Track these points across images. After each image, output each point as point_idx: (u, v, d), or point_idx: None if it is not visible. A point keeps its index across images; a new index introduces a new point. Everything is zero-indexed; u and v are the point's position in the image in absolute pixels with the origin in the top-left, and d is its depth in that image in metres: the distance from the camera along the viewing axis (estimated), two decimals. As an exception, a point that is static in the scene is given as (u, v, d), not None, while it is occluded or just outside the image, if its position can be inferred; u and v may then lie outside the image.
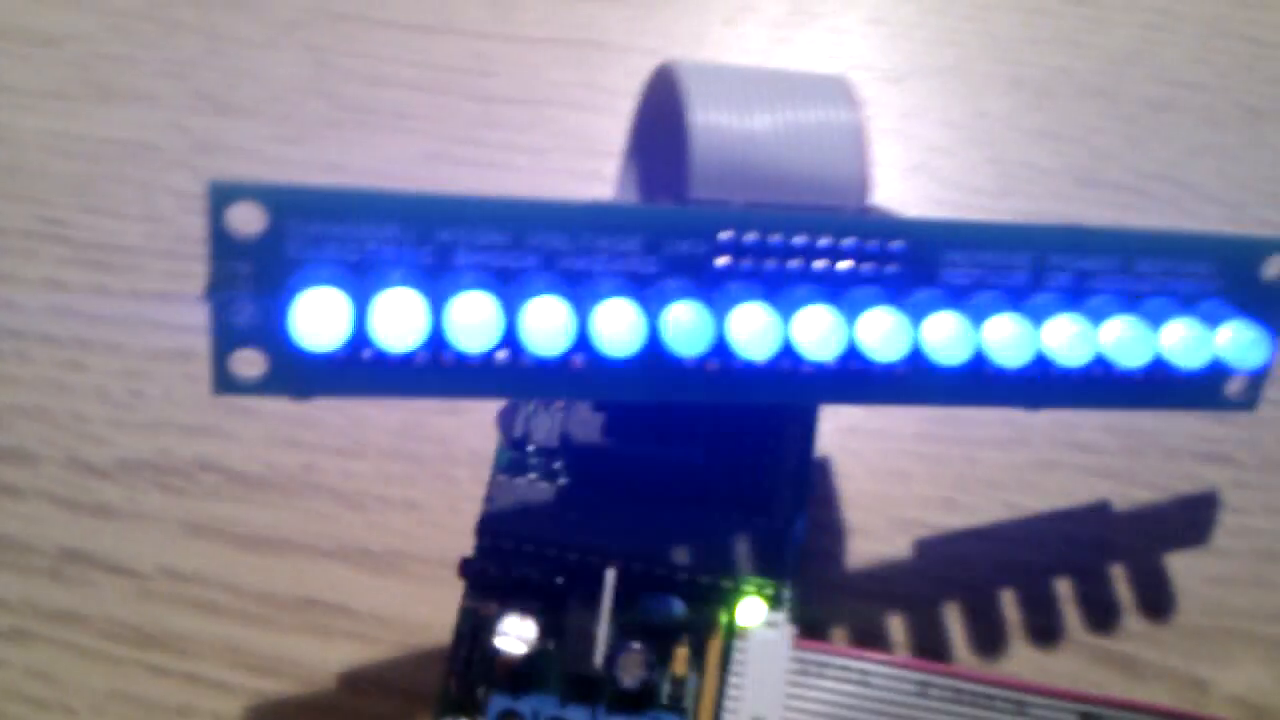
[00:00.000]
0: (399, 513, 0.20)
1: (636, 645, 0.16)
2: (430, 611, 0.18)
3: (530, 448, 0.18)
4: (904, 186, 0.24)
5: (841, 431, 0.21)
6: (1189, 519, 0.20)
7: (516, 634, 0.16)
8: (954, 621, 0.19)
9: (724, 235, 0.15)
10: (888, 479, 0.20)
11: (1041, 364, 0.16)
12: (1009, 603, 0.19)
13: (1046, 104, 0.25)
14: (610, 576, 0.16)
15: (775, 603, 0.17)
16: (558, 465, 0.18)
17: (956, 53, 0.25)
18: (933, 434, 0.21)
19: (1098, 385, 0.17)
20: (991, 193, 0.23)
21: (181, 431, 0.20)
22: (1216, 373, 0.18)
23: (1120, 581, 0.19)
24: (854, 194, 0.17)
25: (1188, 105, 0.25)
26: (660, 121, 0.19)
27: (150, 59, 0.24)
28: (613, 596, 0.16)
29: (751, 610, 0.17)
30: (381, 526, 0.19)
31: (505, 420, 0.18)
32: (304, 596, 0.19)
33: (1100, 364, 0.17)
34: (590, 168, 0.22)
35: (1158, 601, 0.19)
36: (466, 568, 0.17)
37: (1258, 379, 0.18)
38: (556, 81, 0.24)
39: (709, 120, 0.17)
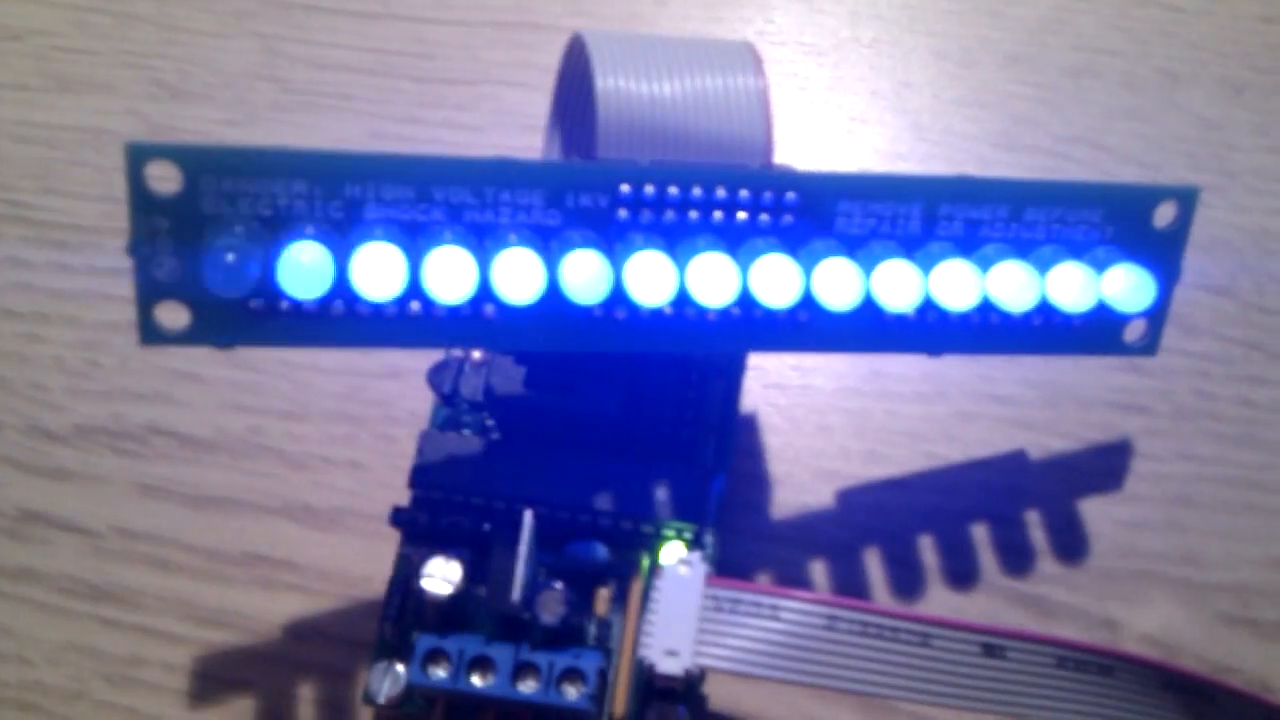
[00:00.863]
0: (342, 472, 0.20)
1: (556, 584, 0.17)
2: (371, 565, 0.19)
3: (460, 404, 0.19)
4: (830, 153, 0.24)
5: (767, 388, 0.21)
6: (1103, 466, 0.21)
7: (441, 575, 0.17)
8: (874, 567, 0.20)
9: (624, 188, 0.16)
10: (811, 433, 0.21)
11: (932, 309, 0.17)
12: (927, 548, 0.20)
13: (967, 73, 0.25)
14: (528, 517, 0.17)
15: (694, 545, 0.18)
16: (487, 420, 0.19)
17: (880, 25, 0.26)
18: (855, 389, 0.21)
19: (992, 330, 0.18)
20: (914, 158, 0.24)
21: (134, 398, 0.21)
22: (1108, 317, 0.18)
23: (1035, 527, 0.20)
24: (756, 156, 0.18)
25: (1106, 71, 0.25)
26: (575, 88, 0.20)
27: (107, 50, 0.25)
28: (531, 537, 0.17)
29: (672, 554, 0.17)
30: (325, 485, 0.20)
31: (435, 377, 0.19)
32: (250, 552, 0.20)
33: (990, 309, 0.18)
34: (527, 143, 0.23)
35: (1072, 545, 0.20)
36: (397, 517, 0.18)
37: (1154, 323, 0.19)
38: (493, 62, 0.25)
39: (615, 85, 0.17)
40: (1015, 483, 0.21)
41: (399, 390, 0.21)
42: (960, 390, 0.21)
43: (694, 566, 0.17)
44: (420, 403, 0.20)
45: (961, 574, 0.20)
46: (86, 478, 0.20)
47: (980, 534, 0.20)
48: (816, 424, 0.21)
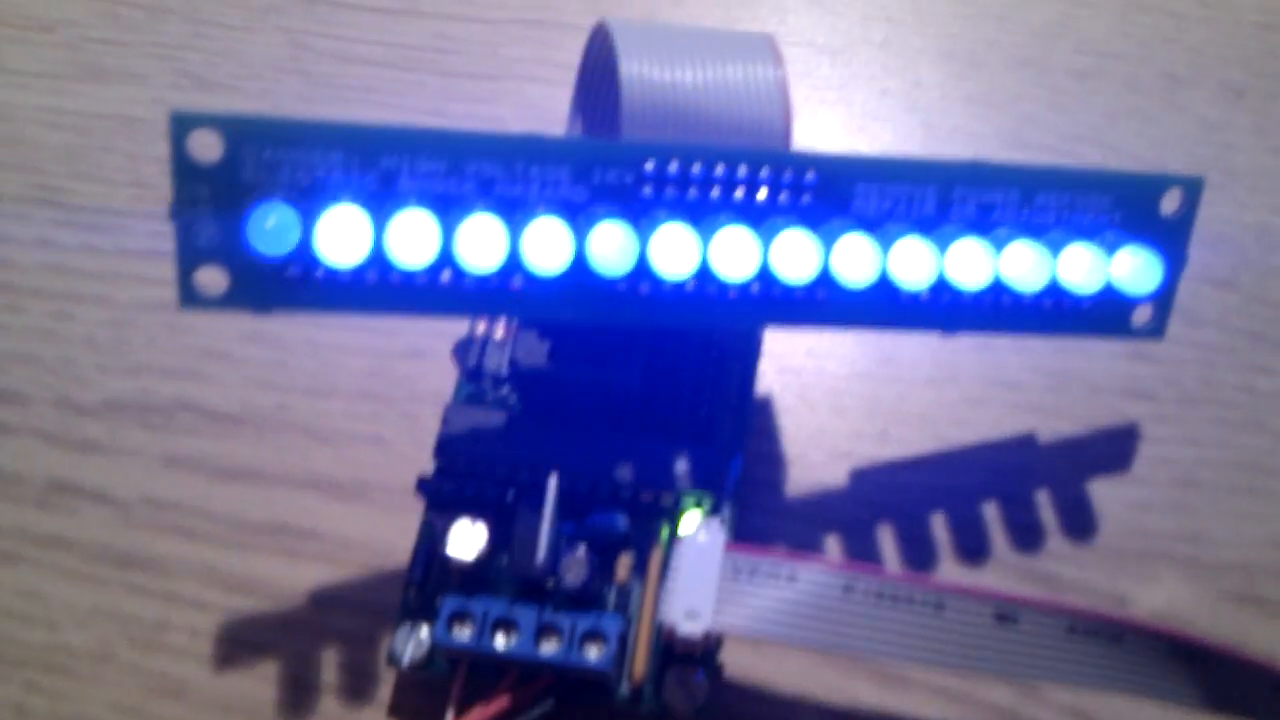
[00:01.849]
0: (366, 447, 0.21)
1: (579, 549, 0.18)
2: (395, 536, 0.19)
3: (484, 378, 0.20)
4: (842, 149, 0.25)
5: (782, 372, 0.22)
6: (1111, 450, 0.21)
7: (466, 540, 0.18)
8: (886, 543, 0.20)
9: (649, 165, 0.17)
10: (825, 415, 0.21)
11: (946, 288, 0.18)
12: (939, 526, 0.20)
13: (976, 74, 0.26)
14: (553, 481, 0.18)
15: (712, 512, 0.18)
16: (509, 394, 0.20)
17: (890, 28, 0.27)
18: (868, 374, 0.22)
19: (1003, 311, 0.19)
20: (924, 154, 0.25)
21: (163, 375, 0.22)
22: (1116, 299, 0.19)
23: (1045, 507, 0.20)
24: (775, 142, 0.18)
25: (1110, 74, 0.26)
26: (598, 75, 0.20)
27: (138, 42, 0.26)
28: (555, 501, 0.18)
29: (692, 521, 0.18)
30: (349, 460, 0.21)
31: (460, 352, 0.20)
32: (276, 522, 0.20)
33: (1001, 289, 0.18)
34: (548, 135, 0.24)
35: (1080, 525, 0.20)
36: (423, 486, 0.18)
37: (1161, 307, 0.20)
38: (515, 58, 0.26)
39: (638, 71, 0.18)
40: (1025, 464, 0.21)
41: (422, 370, 0.22)
42: (970, 375, 0.22)
43: (713, 532, 0.17)
44: (443, 382, 0.20)
45: (972, 551, 0.20)
46: (114, 450, 0.21)
47: (991, 513, 0.20)
48: (830, 406, 0.22)
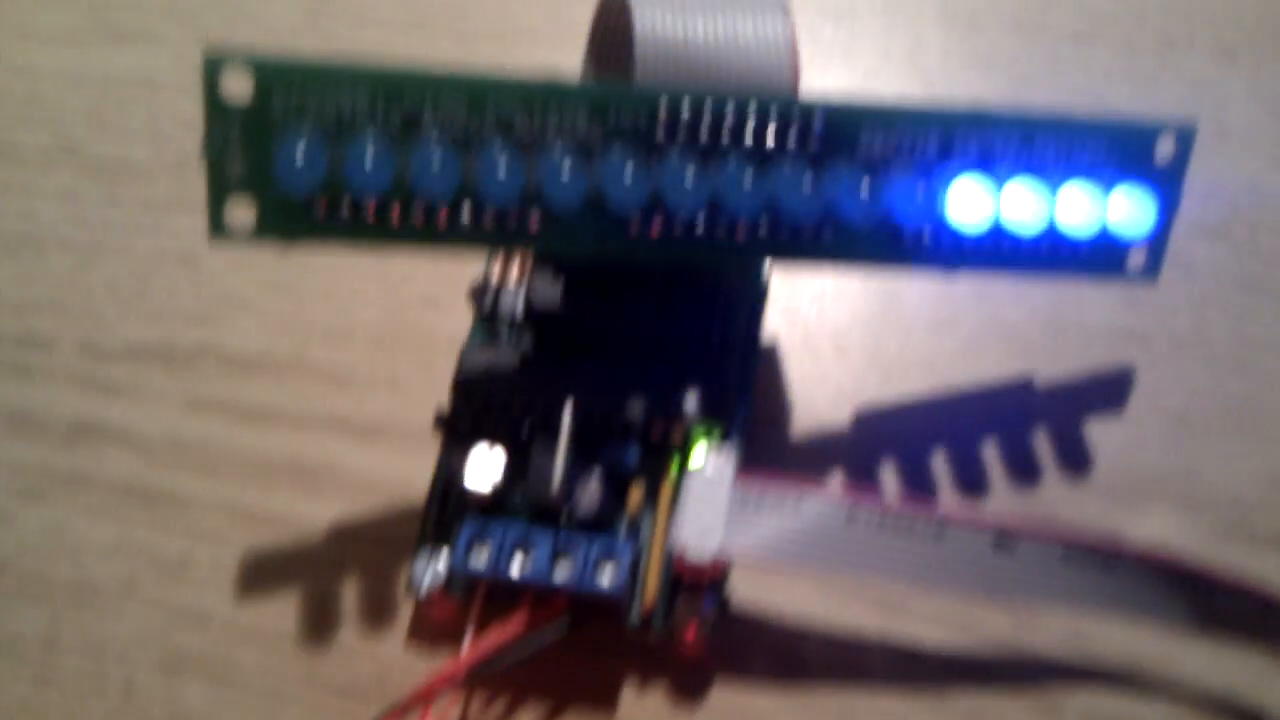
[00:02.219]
0: (382, 389, 0.21)
1: (593, 479, 0.18)
2: (412, 474, 0.20)
3: (499, 320, 0.20)
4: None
5: (788, 315, 0.22)
6: (1105, 391, 0.22)
7: (484, 467, 0.18)
8: (888, 479, 0.21)
9: (662, 111, 0.17)
10: (829, 358, 0.22)
11: (946, 230, 0.18)
12: (939, 464, 0.21)
13: (976, 37, 0.27)
14: (568, 412, 0.18)
15: (721, 443, 0.19)
16: (524, 336, 0.20)
17: (892, -10, 0.27)
18: (871, 319, 0.23)
19: (1002, 253, 0.19)
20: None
21: (185, 321, 0.22)
22: (1111, 242, 0.19)
23: (1041, 446, 0.21)
24: (783, 93, 0.19)
25: (1107, 37, 0.27)
26: (611, 31, 0.21)
27: (156, 6, 0.27)
28: (570, 431, 0.18)
29: (702, 450, 0.18)
30: (367, 402, 0.21)
31: (477, 296, 0.20)
32: (295, 462, 0.21)
33: (1001, 232, 0.19)
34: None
35: (1076, 462, 0.21)
36: (440, 420, 0.19)
37: (1155, 250, 0.20)
38: (528, 20, 0.26)
39: (651, 23, 0.19)
40: (1022, 406, 0.22)
41: (438, 318, 0.22)
42: (970, 323, 0.22)
43: (722, 462, 0.18)
44: (458, 329, 0.21)
45: (971, 486, 0.21)
46: (138, 393, 0.21)
47: (989, 452, 0.21)
48: (834, 349, 0.22)
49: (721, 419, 0.19)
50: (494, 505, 0.18)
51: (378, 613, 0.19)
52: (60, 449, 0.21)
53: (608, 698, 0.18)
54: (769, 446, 0.21)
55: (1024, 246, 0.19)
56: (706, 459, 0.18)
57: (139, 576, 0.19)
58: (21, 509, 0.20)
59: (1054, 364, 0.22)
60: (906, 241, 0.18)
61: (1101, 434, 0.21)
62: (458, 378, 0.19)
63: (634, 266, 0.19)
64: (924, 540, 0.18)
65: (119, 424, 0.21)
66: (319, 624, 0.19)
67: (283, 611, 0.19)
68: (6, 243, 0.23)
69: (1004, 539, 0.18)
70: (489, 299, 0.20)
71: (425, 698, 0.17)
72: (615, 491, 0.19)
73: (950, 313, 0.23)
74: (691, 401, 0.19)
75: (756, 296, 0.21)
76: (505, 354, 0.20)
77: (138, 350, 0.22)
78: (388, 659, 0.18)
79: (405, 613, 0.19)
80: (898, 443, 0.21)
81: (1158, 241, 0.20)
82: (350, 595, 0.19)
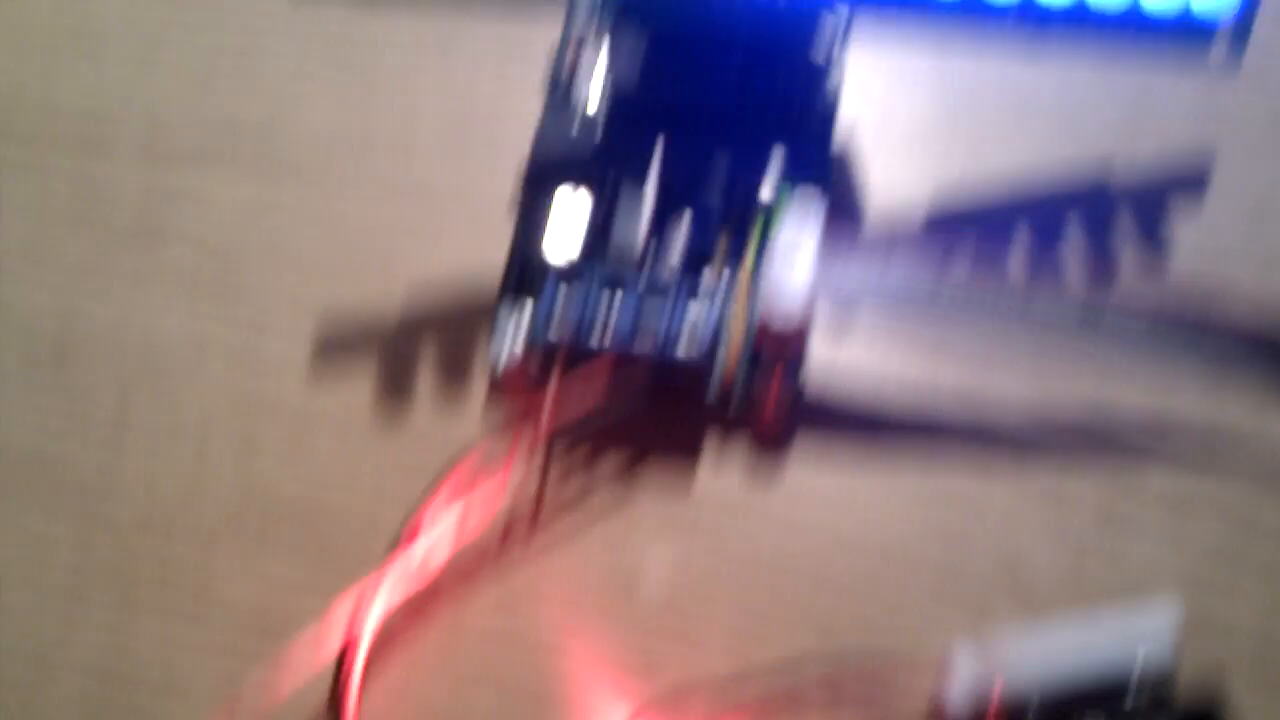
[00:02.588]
0: (448, 176, 0.21)
1: (675, 245, 0.18)
2: (484, 251, 0.19)
3: (574, 101, 0.20)
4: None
5: (864, 98, 0.21)
6: (1186, 174, 0.21)
7: (565, 232, 0.18)
8: (968, 261, 0.20)
9: None
10: (909, 142, 0.21)
11: (1032, 7, 0.18)
12: (1016, 247, 0.20)
13: None
14: (654, 169, 0.18)
15: (808, 203, 0.18)
16: (601, 113, 0.19)
17: None
18: (948, 108, 0.22)
19: (1084, 26, 0.19)
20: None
21: (252, 96, 0.22)
22: (1194, 24, 0.19)
23: (1121, 230, 0.20)
24: None
25: None
26: None
27: None
28: (655, 189, 0.18)
29: (790, 207, 0.18)
30: (434, 186, 0.21)
31: (553, 74, 0.20)
32: (364, 244, 0.20)
33: (1085, 9, 0.18)
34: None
35: (1154, 245, 0.20)
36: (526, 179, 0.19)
37: (1239, 36, 0.20)
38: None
39: None
40: (1101, 189, 0.21)
41: (506, 132, 0.21)
42: (1049, 108, 0.22)
43: (809, 221, 0.18)
44: (525, 142, 0.20)
45: (1046, 276, 0.20)
46: (205, 187, 0.21)
47: (1070, 234, 0.20)
48: (914, 133, 0.21)
49: (808, 177, 0.18)
50: (574, 272, 0.18)
51: (456, 381, 0.19)
52: (128, 240, 0.21)
53: (684, 473, 0.18)
54: (850, 221, 0.20)
55: (1106, 23, 0.19)
56: (794, 217, 0.18)
57: (209, 361, 0.19)
58: (89, 302, 0.20)
59: (1134, 148, 0.21)
60: (991, 9, 0.18)
61: (1180, 220, 0.21)
62: (537, 135, 0.19)
63: (713, 36, 0.19)
64: (1008, 314, 0.18)
65: (187, 220, 0.21)
66: (397, 394, 0.19)
67: (356, 391, 0.19)
68: (75, 37, 0.23)
69: (1090, 313, 0.18)
70: (564, 77, 0.20)
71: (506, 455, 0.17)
72: (697, 260, 0.18)
73: (1031, 96, 0.22)
74: (777, 159, 0.19)
75: (836, 59, 0.20)
76: (585, 124, 0.19)
77: (206, 130, 0.22)
78: (463, 439, 0.18)
79: (480, 391, 0.19)
80: (977, 226, 0.20)
81: (1241, 26, 0.20)
82: (427, 368, 0.19)
